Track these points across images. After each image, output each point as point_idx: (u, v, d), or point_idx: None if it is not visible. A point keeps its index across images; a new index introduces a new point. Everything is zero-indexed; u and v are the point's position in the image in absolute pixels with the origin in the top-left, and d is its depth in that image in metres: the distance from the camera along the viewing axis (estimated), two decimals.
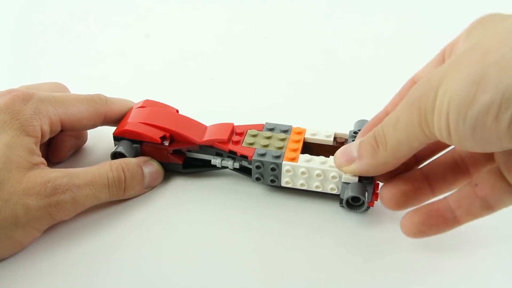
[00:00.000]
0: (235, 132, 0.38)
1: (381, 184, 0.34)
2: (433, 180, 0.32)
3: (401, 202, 0.32)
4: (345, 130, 0.38)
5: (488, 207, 0.29)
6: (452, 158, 0.32)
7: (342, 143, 0.37)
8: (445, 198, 0.31)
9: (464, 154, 0.32)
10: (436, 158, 0.33)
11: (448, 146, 0.33)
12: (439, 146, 0.33)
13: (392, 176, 0.33)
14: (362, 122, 0.39)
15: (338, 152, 0.33)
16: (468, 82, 0.24)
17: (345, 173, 0.33)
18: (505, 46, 0.23)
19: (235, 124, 0.38)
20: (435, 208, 0.30)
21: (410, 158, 0.30)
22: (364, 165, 0.31)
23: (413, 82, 0.34)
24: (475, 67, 0.24)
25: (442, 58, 0.32)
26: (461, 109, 0.24)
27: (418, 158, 0.33)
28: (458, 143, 0.25)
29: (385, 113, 0.35)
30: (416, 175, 0.32)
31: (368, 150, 0.31)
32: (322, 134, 0.37)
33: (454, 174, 0.32)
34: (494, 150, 0.25)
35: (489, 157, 0.31)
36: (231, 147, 0.36)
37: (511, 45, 0.23)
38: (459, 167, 0.32)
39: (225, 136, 0.37)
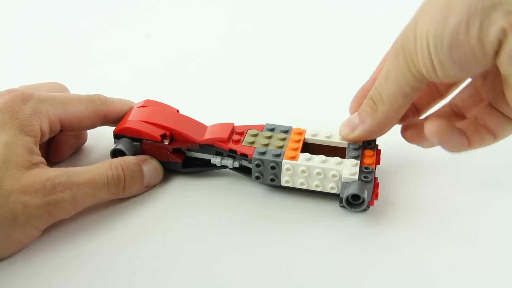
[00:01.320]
0: (235, 132, 0.38)
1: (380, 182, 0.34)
2: None
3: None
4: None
5: (491, 133, 0.32)
6: (450, 108, 0.35)
7: None
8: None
9: (458, 101, 0.35)
10: (436, 112, 0.36)
11: (441, 96, 0.36)
12: (432, 97, 0.36)
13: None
14: None
15: (342, 124, 0.36)
16: (438, 11, 0.27)
17: (352, 141, 0.35)
18: None
19: (235, 124, 0.38)
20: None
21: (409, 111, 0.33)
22: (367, 126, 0.34)
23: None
24: None
25: None
26: (437, 35, 0.27)
27: (418, 109, 0.36)
28: (442, 73, 0.28)
29: (372, 80, 0.37)
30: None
31: (367, 110, 0.33)
32: (322, 134, 0.37)
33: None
34: (474, 70, 0.28)
35: (478, 99, 0.34)
36: (231, 146, 0.36)
37: None
38: (456, 115, 0.35)
39: (225, 135, 0.37)
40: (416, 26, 0.28)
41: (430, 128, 0.31)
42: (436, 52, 0.27)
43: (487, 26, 0.25)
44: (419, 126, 0.34)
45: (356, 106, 0.36)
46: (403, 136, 0.35)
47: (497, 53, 0.26)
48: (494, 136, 0.33)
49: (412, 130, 0.35)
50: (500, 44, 0.26)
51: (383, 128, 0.34)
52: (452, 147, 0.32)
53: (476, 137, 0.32)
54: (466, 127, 0.32)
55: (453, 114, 0.35)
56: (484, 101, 0.33)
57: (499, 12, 0.25)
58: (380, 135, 0.35)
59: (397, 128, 0.36)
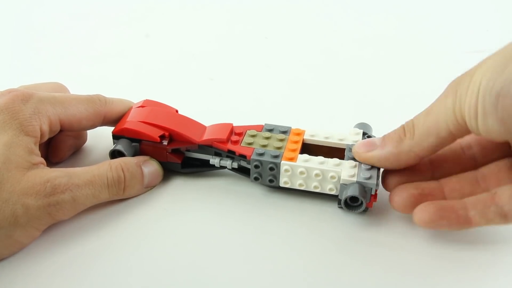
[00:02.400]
0: (234, 132, 0.38)
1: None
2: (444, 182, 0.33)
3: (414, 205, 0.32)
4: (345, 131, 0.38)
5: (503, 215, 0.30)
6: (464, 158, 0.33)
7: None
8: (462, 199, 0.31)
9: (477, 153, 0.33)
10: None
11: (474, 166, 0.33)
12: (461, 163, 0.33)
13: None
14: (362, 125, 0.39)
15: (360, 142, 0.34)
16: (501, 58, 0.26)
17: (363, 161, 0.33)
18: None
19: (234, 125, 0.38)
20: (451, 204, 0.31)
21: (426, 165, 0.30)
22: (386, 152, 0.31)
23: None
24: (508, 50, 0.26)
25: None
26: (489, 81, 0.26)
27: (434, 166, 0.34)
28: (483, 123, 0.26)
29: None
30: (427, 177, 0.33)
31: (394, 138, 0.31)
32: (321, 135, 0.37)
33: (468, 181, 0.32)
34: None
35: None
36: (230, 146, 0.37)
37: None
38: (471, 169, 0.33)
39: (224, 136, 0.37)
40: (476, 71, 0.27)
41: (419, 216, 0.30)
42: (483, 98, 0.26)
43: None
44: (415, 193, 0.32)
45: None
46: (392, 202, 0.33)
47: None
48: (505, 218, 0.30)
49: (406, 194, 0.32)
50: None
51: (400, 160, 0.31)
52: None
53: (482, 220, 0.30)
54: (473, 203, 0.30)
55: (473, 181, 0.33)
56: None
57: None
58: (392, 167, 0.33)
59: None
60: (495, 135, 0.27)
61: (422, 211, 0.31)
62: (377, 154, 0.32)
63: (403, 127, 0.31)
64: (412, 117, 0.31)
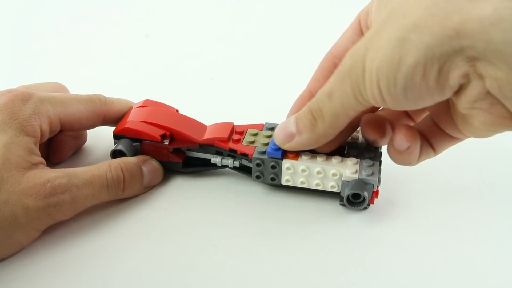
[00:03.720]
0: (235, 131, 0.38)
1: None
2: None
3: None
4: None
5: (432, 147, 0.32)
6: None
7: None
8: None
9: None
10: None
11: None
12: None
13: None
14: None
15: (277, 130, 0.34)
16: (391, 48, 0.25)
17: (287, 149, 0.34)
18: (419, 8, 0.24)
19: (235, 124, 0.38)
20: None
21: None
22: (305, 139, 0.33)
23: (331, 55, 0.36)
24: (395, 33, 0.25)
25: (357, 26, 0.34)
26: (389, 75, 0.25)
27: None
28: (393, 106, 0.27)
29: (308, 91, 0.37)
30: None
31: (306, 124, 0.32)
32: None
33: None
34: (427, 104, 0.27)
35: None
36: (231, 145, 0.36)
37: (425, 5, 0.24)
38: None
39: (225, 135, 0.37)
40: (365, 57, 0.27)
41: (403, 135, 0.31)
42: (388, 91, 0.26)
43: (447, 71, 0.24)
44: (380, 120, 0.34)
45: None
46: (363, 129, 0.34)
47: (456, 93, 0.26)
48: (434, 150, 0.32)
49: (374, 123, 0.34)
50: (460, 87, 0.25)
51: (320, 142, 0.32)
52: (412, 159, 0.32)
53: (424, 154, 0.32)
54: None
55: (403, 114, 0.35)
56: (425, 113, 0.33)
57: (461, 58, 0.24)
58: (317, 147, 0.34)
59: None
60: (406, 109, 0.29)
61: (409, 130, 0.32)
62: (297, 142, 0.33)
63: (311, 112, 0.31)
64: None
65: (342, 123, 0.31)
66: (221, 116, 0.41)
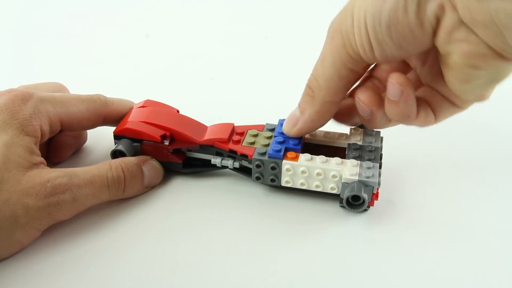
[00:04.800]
0: (236, 132, 0.38)
1: None
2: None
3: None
4: (345, 130, 0.38)
5: (432, 112, 0.33)
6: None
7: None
8: None
9: None
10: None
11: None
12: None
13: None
14: (362, 125, 0.39)
15: (285, 122, 0.35)
16: None
17: (295, 135, 0.35)
18: None
19: (235, 124, 0.38)
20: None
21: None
22: (308, 116, 0.33)
23: None
24: None
25: None
26: (375, 14, 0.27)
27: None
28: (380, 53, 0.28)
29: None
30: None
31: (306, 100, 0.32)
32: (322, 134, 0.38)
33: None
34: (410, 50, 0.28)
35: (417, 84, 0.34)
36: (231, 146, 0.36)
37: None
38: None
39: (225, 136, 0.37)
40: (354, 7, 0.28)
41: (397, 79, 0.30)
42: (374, 31, 0.27)
43: (425, 3, 0.26)
44: (375, 86, 0.34)
45: None
46: (357, 101, 0.34)
47: (435, 32, 0.27)
48: (436, 116, 0.33)
49: (368, 89, 0.34)
50: (438, 21, 0.26)
51: (324, 115, 0.33)
52: (401, 115, 0.32)
53: (423, 113, 0.32)
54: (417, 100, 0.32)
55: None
56: (422, 86, 0.33)
57: None
58: (322, 125, 0.34)
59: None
60: (394, 58, 0.29)
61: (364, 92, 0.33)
62: (303, 122, 0.33)
63: (308, 86, 0.32)
64: None
65: (338, 86, 0.31)
66: (221, 116, 0.41)
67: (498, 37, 0.25)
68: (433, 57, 0.32)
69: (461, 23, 0.26)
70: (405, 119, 0.32)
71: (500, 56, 0.26)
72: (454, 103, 0.32)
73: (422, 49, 0.28)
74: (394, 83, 0.31)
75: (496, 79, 0.28)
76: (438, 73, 0.31)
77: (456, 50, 0.27)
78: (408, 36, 0.27)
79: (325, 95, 0.32)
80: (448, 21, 0.26)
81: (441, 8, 0.26)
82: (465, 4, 0.25)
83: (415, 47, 0.28)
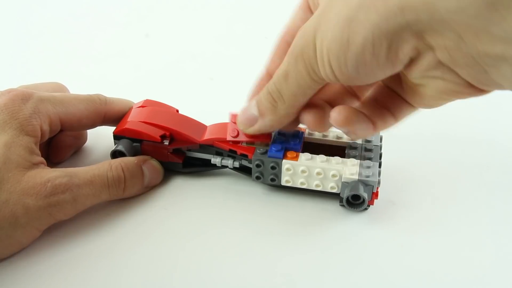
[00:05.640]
0: (232, 121, 0.38)
1: None
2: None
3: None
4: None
5: (392, 114, 0.32)
6: (343, 87, 0.34)
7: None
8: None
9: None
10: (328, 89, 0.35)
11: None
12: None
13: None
14: None
15: (239, 116, 0.35)
16: (339, 28, 0.25)
17: (251, 133, 0.35)
18: None
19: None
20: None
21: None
22: (268, 121, 0.33)
23: (284, 35, 0.36)
24: (342, 13, 0.25)
25: (306, 5, 0.34)
26: (340, 55, 0.26)
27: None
28: (347, 82, 0.28)
29: (267, 73, 0.36)
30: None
31: (267, 106, 0.32)
32: (322, 134, 0.37)
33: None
34: (380, 78, 0.27)
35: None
36: (231, 146, 0.36)
37: None
38: (351, 95, 0.34)
39: (225, 135, 0.37)
40: (315, 37, 0.27)
41: (337, 118, 0.30)
42: (340, 70, 0.27)
43: (396, 46, 0.25)
44: (321, 110, 0.33)
45: None
46: (302, 120, 0.34)
47: (407, 66, 0.26)
48: (395, 117, 0.32)
49: (314, 114, 0.33)
50: (411, 61, 0.25)
51: (283, 123, 0.33)
52: (359, 135, 0.32)
53: (380, 120, 0.31)
54: (370, 112, 0.31)
55: (347, 92, 0.34)
56: (377, 83, 0.33)
57: (408, 33, 0.24)
58: (278, 129, 0.35)
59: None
60: (359, 84, 0.29)
61: (340, 113, 0.31)
62: (261, 125, 0.34)
63: (270, 94, 0.32)
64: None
65: (302, 102, 0.31)
66: (221, 116, 0.41)
67: (482, 75, 0.24)
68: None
69: (439, 63, 0.25)
70: (363, 137, 0.33)
71: (480, 90, 0.26)
72: (412, 105, 0.31)
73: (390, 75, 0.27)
74: (337, 119, 0.30)
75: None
76: (397, 80, 0.30)
77: (430, 85, 0.26)
78: (376, 73, 0.27)
79: (288, 108, 0.32)
80: (424, 61, 0.25)
81: (416, 50, 0.25)
82: (443, 45, 0.24)
83: (383, 77, 0.27)
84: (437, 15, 0.23)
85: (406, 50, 0.25)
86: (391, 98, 0.31)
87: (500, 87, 0.25)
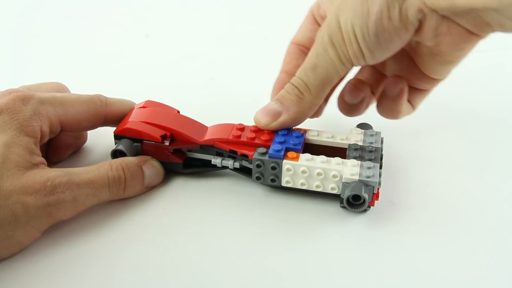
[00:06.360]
0: (236, 127, 0.38)
1: None
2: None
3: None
4: (345, 130, 0.38)
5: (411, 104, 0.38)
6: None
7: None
8: None
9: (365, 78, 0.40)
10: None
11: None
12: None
13: None
14: (363, 125, 0.39)
15: (258, 113, 0.37)
16: (358, 4, 0.31)
17: (275, 128, 0.36)
18: None
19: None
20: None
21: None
22: (293, 114, 0.35)
23: (295, 43, 0.41)
24: None
25: (312, 19, 0.40)
26: (363, 26, 0.31)
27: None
28: (370, 58, 0.32)
29: (285, 73, 0.40)
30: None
31: (292, 99, 0.35)
32: (323, 135, 0.38)
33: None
34: (398, 46, 0.32)
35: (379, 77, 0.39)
36: (231, 146, 0.36)
37: None
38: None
39: (226, 136, 0.37)
40: (340, 21, 0.32)
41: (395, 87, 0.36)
42: (364, 40, 0.31)
43: (406, 10, 0.30)
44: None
45: None
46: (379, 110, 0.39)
47: (418, 29, 0.30)
48: (413, 106, 0.38)
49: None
50: (420, 22, 0.30)
51: (308, 114, 0.36)
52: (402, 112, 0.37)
53: (405, 106, 0.37)
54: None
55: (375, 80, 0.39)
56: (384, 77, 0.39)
57: None
58: (298, 124, 0.37)
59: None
60: (381, 60, 0.33)
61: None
62: (286, 119, 0.35)
63: (295, 88, 0.35)
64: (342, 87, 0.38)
65: (327, 90, 0.35)
66: (221, 116, 0.41)
67: (477, 20, 0.29)
68: (403, 52, 0.35)
69: (443, 18, 0.29)
70: (396, 114, 0.38)
71: (478, 36, 0.31)
72: (423, 90, 0.37)
73: (404, 45, 0.32)
74: (393, 82, 0.36)
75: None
76: (408, 66, 0.36)
77: (442, 41, 0.31)
78: (394, 39, 0.31)
79: (314, 99, 0.35)
80: (431, 21, 0.30)
81: (421, 12, 0.29)
82: (439, 7, 0.29)
83: (400, 46, 0.32)
84: None
85: (413, 12, 0.29)
86: (408, 91, 0.37)
87: (492, 30, 0.30)
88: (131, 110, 0.39)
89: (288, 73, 0.39)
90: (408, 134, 0.44)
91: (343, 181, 0.34)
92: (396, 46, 0.32)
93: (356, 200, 0.34)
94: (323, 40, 0.33)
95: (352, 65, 0.33)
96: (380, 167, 0.35)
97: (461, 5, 0.28)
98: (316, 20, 0.39)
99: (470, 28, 0.30)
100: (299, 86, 0.34)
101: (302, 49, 0.40)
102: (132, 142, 0.37)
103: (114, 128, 0.38)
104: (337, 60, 0.33)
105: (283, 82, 0.37)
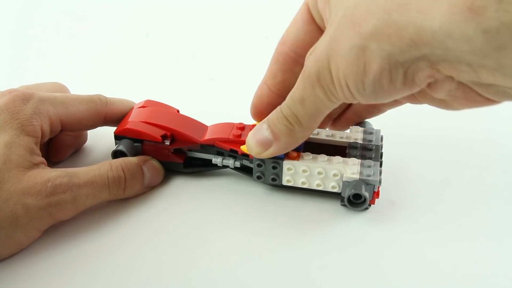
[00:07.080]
0: (236, 127, 0.38)
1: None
2: None
3: None
4: (345, 130, 0.38)
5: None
6: None
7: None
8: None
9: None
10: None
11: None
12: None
13: None
14: (362, 123, 0.39)
15: (250, 140, 0.34)
16: (353, 56, 0.26)
17: (265, 157, 0.34)
18: (373, 18, 0.25)
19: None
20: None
21: None
22: (284, 144, 0.33)
23: (284, 46, 0.36)
24: (354, 41, 0.26)
25: (307, 14, 0.34)
26: (357, 82, 0.27)
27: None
28: (366, 102, 0.29)
29: (267, 88, 0.36)
30: None
31: (283, 130, 0.32)
32: (323, 133, 0.38)
33: None
34: (398, 97, 0.28)
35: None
36: (232, 145, 0.36)
37: (378, 16, 0.25)
38: None
39: (226, 135, 0.37)
40: (330, 64, 0.28)
41: None
42: (358, 94, 0.28)
43: (412, 74, 0.25)
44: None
45: (259, 116, 0.36)
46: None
47: (428, 86, 0.27)
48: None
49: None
50: (429, 84, 0.26)
51: (296, 145, 0.33)
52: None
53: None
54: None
55: None
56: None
57: (424, 62, 0.25)
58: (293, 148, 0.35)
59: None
60: (377, 103, 0.30)
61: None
62: (276, 149, 0.33)
63: (286, 118, 0.32)
64: (285, 107, 0.32)
65: (319, 121, 0.32)
66: (221, 116, 0.41)
67: (501, 92, 0.25)
68: None
69: (459, 83, 0.26)
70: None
71: (498, 102, 0.27)
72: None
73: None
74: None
75: None
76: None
77: (455, 101, 0.28)
78: (395, 95, 0.27)
79: (306, 131, 0.32)
80: (444, 85, 0.26)
81: (432, 77, 0.26)
82: (458, 75, 0.25)
83: (401, 96, 0.28)
84: (450, 52, 0.23)
85: (422, 77, 0.26)
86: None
87: None
88: (130, 110, 0.39)
89: (271, 89, 0.36)
90: (408, 132, 0.43)
91: (343, 180, 0.34)
92: (397, 98, 0.28)
93: (356, 199, 0.34)
94: (310, 76, 0.29)
95: (343, 101, 0.30)
96: (380, 165, 0.35)
97: (486, 82, 0.24)
98: (313, 18, 0.34)
99: (491, 97, 0.26)
100: (289, 117, 0.32)
101: (293, 56, 0.35)
102: (132, 142, 0.37)
103: (114, 128, 0.38)
104: (325, 98, 0.29)
105: (264, 97, 0.36)
